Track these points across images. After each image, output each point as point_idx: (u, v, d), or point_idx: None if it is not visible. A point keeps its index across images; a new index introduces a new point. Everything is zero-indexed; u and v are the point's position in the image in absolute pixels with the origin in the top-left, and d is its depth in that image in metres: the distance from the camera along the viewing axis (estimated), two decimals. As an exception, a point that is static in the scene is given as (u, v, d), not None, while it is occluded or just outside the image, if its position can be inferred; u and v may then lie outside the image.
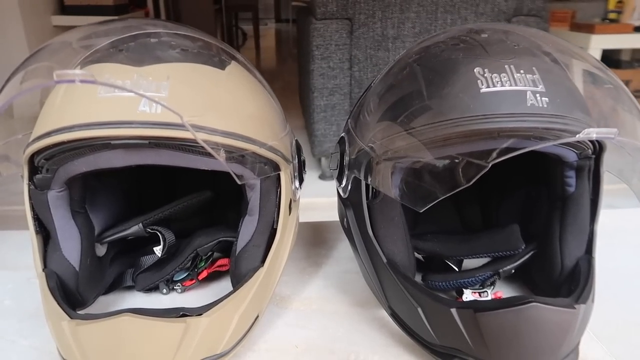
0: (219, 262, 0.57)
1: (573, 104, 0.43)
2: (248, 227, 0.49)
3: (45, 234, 0.48)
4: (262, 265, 0.48)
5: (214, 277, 0.58)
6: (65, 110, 0.42)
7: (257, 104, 0.48)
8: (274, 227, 0.50)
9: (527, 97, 0.41)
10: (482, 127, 0.41)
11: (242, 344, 0.46)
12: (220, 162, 0.43)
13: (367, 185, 0.50)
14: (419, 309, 0.45)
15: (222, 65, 0.47)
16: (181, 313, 0.42)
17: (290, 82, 3.23)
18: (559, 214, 0.51)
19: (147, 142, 0.41)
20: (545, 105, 0.41)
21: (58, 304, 0.43)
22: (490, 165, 0.36)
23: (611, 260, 0.61)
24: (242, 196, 0.60)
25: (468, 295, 0.53)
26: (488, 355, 0.41)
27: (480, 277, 0.52)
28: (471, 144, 0.43)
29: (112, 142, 0.41)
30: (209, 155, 0.43)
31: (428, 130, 0.42)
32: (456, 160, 0.40)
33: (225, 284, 0.58)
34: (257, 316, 0.48)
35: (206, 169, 0.44)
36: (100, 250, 0.53)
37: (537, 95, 0.42)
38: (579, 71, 0.47)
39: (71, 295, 0.48)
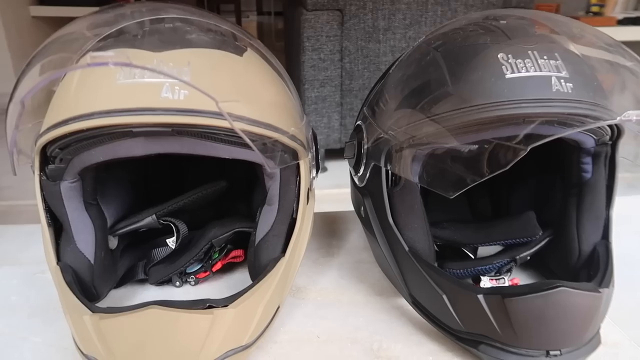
0: (233, 253, 0.56)
1: (594, 90, 0.43)
2: (267, 217, 0.49)
3: (57, 226, 0.47)
4: (284, 255, 0.47)
5: (227, 268, 0.57)
6: (82, 97, 0.40)
7: (277, 91, 0.47)
8: (294, 216, 0.49)
9: (552, 82, 0.41)
10: (510, 113, 0.41)
11: (264, 336, 0.46)
12: (244, 151, 0.42)
13: (387, 173, 0.49)
14: (444, 297, 0.44)
15: (239, 52, 0.46)
16: (208, 305, 0.41)
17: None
18: (575, 201, 0.51)
19: (169, 129, 0.40)
20: (570, 91, 0.41)
21: (78, 298, 0.41)
22: (529, 148, 0.36)
23: (619, 247, 0.62)
24: (253, 186, 0.59)
25: (486, 282, 0.53)
26: (516, 340, 0.41)
27: (497, 264, 0.52)
28: (497, 130, 0.43)
29: (134, 130, 0.40)
30: (232, 143, 0.42)
31: (454, 117, 0.42)
32: (488, 146, 0.40)
33: (238, 276, 0.57)
34: (278, 307, 0.48)
35: (228, 157, 0.43)
36: (112, 242, 0.52)
37: (562, 80, 0.42)
38: (599, 54, 0.47)
39: (86, 289, 0.46)
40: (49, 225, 0.46)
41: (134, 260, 0.56)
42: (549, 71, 0.42)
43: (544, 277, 0.56)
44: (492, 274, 0.53)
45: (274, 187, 0.48)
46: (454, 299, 0.44)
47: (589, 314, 0.41)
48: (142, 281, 0.55)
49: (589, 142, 0.48)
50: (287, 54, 2.30)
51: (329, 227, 0.68)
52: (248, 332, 0.42)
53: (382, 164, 0.48)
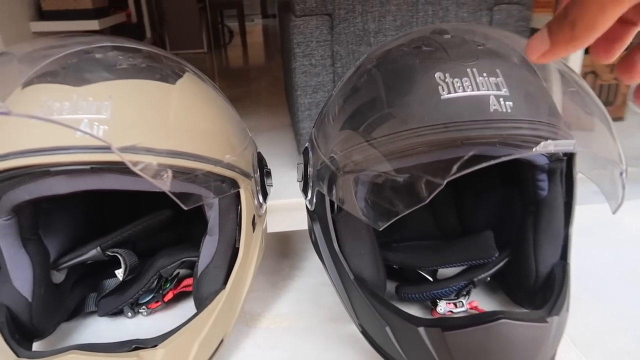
0: (185, 282, 0.55)
1: (539, 107, 0.41)
2: (209, 248, 0.47)
3: (-5, 264, 0.46)
4: (224, 288, 0.46)
5: (181, 297, 0.56)
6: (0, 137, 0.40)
7: (211, 118, 0.46)
8: (236, 246, 0.47)
9: (490, 102, 0.39)
10: (444, 137, 0.39)
11: (206, 371, 0.44)
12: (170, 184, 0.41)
13: (330, 198, 0.47)
14: (387, 328, 0.43)
15: (172, 80, 0.45)
16: (134, 346, 0.39)
17: (278, 78, 3.20)
18: (533, 219, 0.49)
19: (88, 167, 0.39)
20: (509, 110, 0.39)
21: (6, 341, 0.40)
22: (445, 182, 0.34)
23: (588, 258, 0.59)
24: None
25: (442, 306, 0.51)
26: (459, 375, 0.39)
27: (455, 287, 0.50)
28: (434, 153, 0.41)
29: (51, 169, 0.39)
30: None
31: (389, 141, 0.40)
32: (416, 174, 0.38)
33: (192, 305, 0.55)
34: (222, 340, 0.46)
35: (154, 190, 0.42)
36: (58, 277, 0.51)
37: (501, 99, 0.40)
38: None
39: (25, 327, 0.45)
40: (-15, 263, 0.45)
41: (85, 291, 0.55)
42: (488, 89, 0.40)
43: (508, 298, 0.53)
44: (451, 296, 0.51)
45: (213, 217, 0.47)
46: (397, 331, 0.42)
47: (535, 345, 0.39)
48: (94, 313, 0.54)
49: (541, 159, 0.46)
50: (283, 59, 2.29)
51: (291, 246, 0.67)
52: (182, 372, 0.41)
53: (324, 190, 0.47)
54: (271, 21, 6.78)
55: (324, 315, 0.54)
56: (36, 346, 0.47)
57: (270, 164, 0.56)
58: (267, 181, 0.53)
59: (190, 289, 0.55)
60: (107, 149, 0.38)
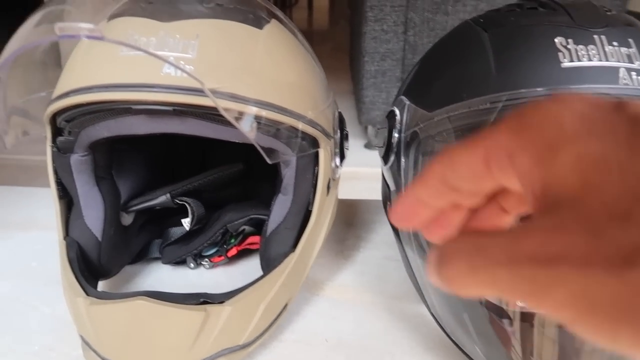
0: (250, 240, 0.53)
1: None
2: (281, 207, 0.45)
3: (70, 199, 0.46)
4: (294, 251, 0.44)
5: (244, 255, 0.54)
6: (85, 68, 0.38)
7: (298, 70, 0.43)
8: (309, 208, 0.45)
9: (620, 75, 0.34)
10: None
11: (268, 333, 0.43)
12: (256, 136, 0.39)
13: (415, 168, 0.44)
14: (465, 315, 0.39)
15: (260, 24, 0.42)
16: (202, 300, 0.38)
17: (341, 43, 3.12)
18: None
19: (170, 108, 0.37)
20: (642, 86, 0.34)
21: (76, 278, 0.40)
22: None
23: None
24: (276, 170, 0.56)
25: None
26: (544, 377, 0.36)
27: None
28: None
29: (133, 107, 0.37)
30: (241, 126, 0.38)
31: (493, 111, 0.36)
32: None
33: (255, 264, 0.53)
34: (286, 305, 0.44)
35: (235, 141, 0.39)
36: (127, 219, 0.50)
37: (633, 73, 0.34)
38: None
39: (93, 265, 0.45)
40: (59, 197, 0.45)
41: (152, 236, 0.54)
42: (618, 61, 0.35)
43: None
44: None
45: (288, 176, 0.44)
46: (476, 320, 0.39)
47: None
48: (158, 259, 0.54)
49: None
50: (351, 24, 2.22)
51: (359, 215, 0.64)
52: (246, 331, 0.40)
53: (410, 159, 0.43)
54: (339, -15, 6.61)
55: (390, 290, 0.51)
56: (100, 286, 0.47)
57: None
58: (345, 144, 0.50)
59: (254, 247, 0.54)
60: (191, 90, 0.35)
